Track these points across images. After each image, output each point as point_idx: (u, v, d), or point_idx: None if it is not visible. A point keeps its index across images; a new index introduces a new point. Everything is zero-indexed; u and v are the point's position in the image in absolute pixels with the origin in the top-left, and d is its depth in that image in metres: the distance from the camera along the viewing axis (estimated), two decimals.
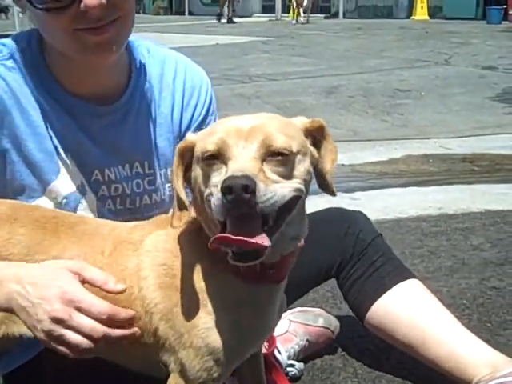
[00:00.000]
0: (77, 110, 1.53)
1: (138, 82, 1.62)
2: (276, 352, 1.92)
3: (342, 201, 3.54)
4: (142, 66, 1.64)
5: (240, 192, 1.04)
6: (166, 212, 1.71)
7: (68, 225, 1.42)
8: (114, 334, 1.24)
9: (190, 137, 1.26)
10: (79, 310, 1.21)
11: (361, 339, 2.19)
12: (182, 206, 1.24)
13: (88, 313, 1.21)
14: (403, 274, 1.90)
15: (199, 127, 1.71)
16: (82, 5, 1.35)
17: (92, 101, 1.55)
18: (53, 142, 1.52)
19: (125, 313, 1.27)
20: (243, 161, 1.12)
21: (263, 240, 1.10)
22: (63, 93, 1.52)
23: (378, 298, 1.85)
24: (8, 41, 1.54)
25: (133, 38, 1.66)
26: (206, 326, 1.28)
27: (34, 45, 1.52)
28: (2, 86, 1.48)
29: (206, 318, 1.28)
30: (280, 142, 1.16)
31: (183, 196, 1.23)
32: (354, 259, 1.90)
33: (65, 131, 1.53)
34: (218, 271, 1.28)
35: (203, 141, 1.19)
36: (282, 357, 1.94)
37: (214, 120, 1.76)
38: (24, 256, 1.37)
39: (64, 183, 1.55)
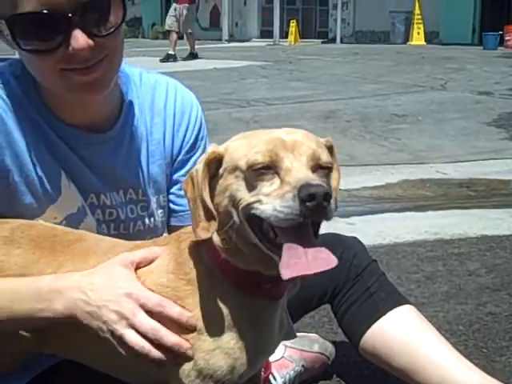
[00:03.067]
0: (71, 137, 1.55)
1: (129, 110, 1.64)
2: (271, 378, 1.92)
3: (338, 226, 3.54)
4: (134, 94, 1.66)
5: (321, 199, 1.08)
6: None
7: (66, 242, 1.44)
8: (168, 341, 1.28)
9: (216, 148, 1.26)
10: (142, 306, 1.28)
11: (356, 365, 2.18)
12: (210, 217, 1.24)
13: (149, 308, 1.28)
14: (397, 300, 1.91)
15: (188, 152, 1.73)
16: (70, 47, 1.36)
17: (85, 130, 1.56)
18: (54, 163, 1.54)
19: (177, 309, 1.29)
20: (304, 172, 1.15)
21: (331, 261, 1.14)
22: (56, 121, 1.54)
23: (372, 324, 1.86)
24: (3, 67, 1.55)
25: (124, 64, 1.65)
26: (208, 348, 1.29)
27: (27, 74, 1.52)
28: (3, 106, 1.49)
29: (208, 339, 1.29)
30: (325, 156, 1.21)
31: (211, 206, 1.23)
32: (348, 285, 1.90)
33: (63, 155, 1.55)
34: (219, 290, 1.30)
35: (245, 151, 1.20)
36: (278, 383, 1.93)
37: (204, 145, 1.77)
38: (20, 276, 1.39)
39: (65, 205, 1.56)
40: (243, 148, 1.22)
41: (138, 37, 30.04)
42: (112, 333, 1.28)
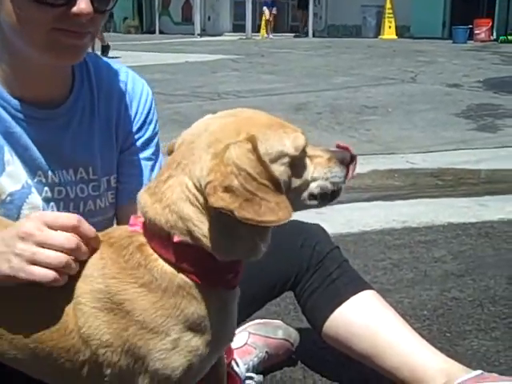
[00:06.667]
0: (18, 111, 1.52)
1: (81, 89, 1.62)
2: (234, 364, 1.91)
3: (307, 214, 3.51)
4: (85, 74, 1.64)
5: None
6: (110, 219, 1.70)
7: None
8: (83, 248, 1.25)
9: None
10: (41, 244, 1.21)
11: (321, 351, 2.18)
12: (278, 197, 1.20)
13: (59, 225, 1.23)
14: (360, 286, 1.90)
15: (136, 134, 1.71)
16: (75, 8, 1.38)
17: (35, 104, 1.54)
18: None
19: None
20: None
21: None
22: (2, 92, 1.50)
23: (334, 309, 1.85)
24: None
25: None
26: (164, 348, 1.22)
27: None
28: None
29: (164, 339, 1.22)
30: None
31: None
32: (310, 271, 1.90)
33: (7, 129, 1.51)
34: (182, 287, 1.23)
35: (278, 137, 1.24)
36: (240, 369, 1.92)
37: (154, 129, 1.75)
38: None
39: (8, 181, 1.52)
40: (272, 134, 1.24)
41: (109, 31, 29.81)
42: (19, 256, 1.21)
